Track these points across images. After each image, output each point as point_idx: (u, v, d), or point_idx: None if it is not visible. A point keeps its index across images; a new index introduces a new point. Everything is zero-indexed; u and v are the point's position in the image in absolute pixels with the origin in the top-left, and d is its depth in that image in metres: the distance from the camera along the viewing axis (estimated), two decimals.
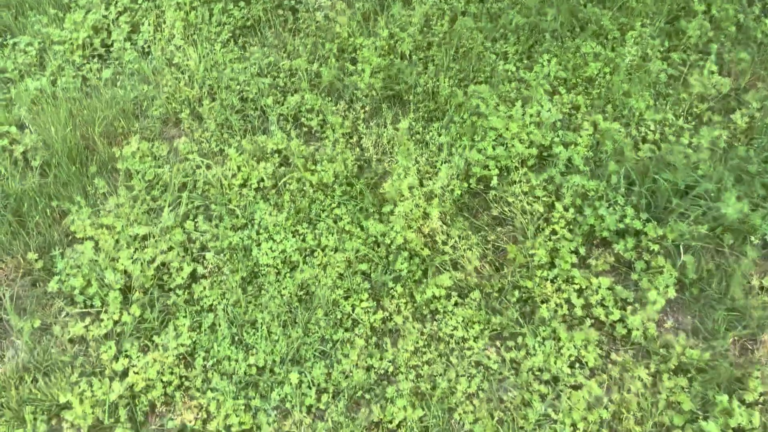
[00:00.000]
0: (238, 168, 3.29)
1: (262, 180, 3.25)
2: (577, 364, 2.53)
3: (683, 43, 3.70)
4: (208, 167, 3.32)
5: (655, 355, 2.52)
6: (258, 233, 3.04)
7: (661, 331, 2.59)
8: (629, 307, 2.65)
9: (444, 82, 3.62)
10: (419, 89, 3.61)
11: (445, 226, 3.02)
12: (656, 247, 2.76)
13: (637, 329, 2.56)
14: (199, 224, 3.09)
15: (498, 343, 2.64)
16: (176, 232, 3.02)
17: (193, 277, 2.93)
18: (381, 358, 2.61)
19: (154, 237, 2.99)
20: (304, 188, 3.19)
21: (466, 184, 3.14)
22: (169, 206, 3.14)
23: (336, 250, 2.94)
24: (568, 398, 2.43)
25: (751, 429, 2.32)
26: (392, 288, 2.79)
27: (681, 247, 2.73)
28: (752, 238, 2.74)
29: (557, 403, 2.44)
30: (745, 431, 2.33)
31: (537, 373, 2.52)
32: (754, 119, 3.26)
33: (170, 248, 2.98)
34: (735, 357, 2.50)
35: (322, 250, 2.96)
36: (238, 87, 3.70)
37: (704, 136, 3.12)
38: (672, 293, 2.62)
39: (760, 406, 2.36)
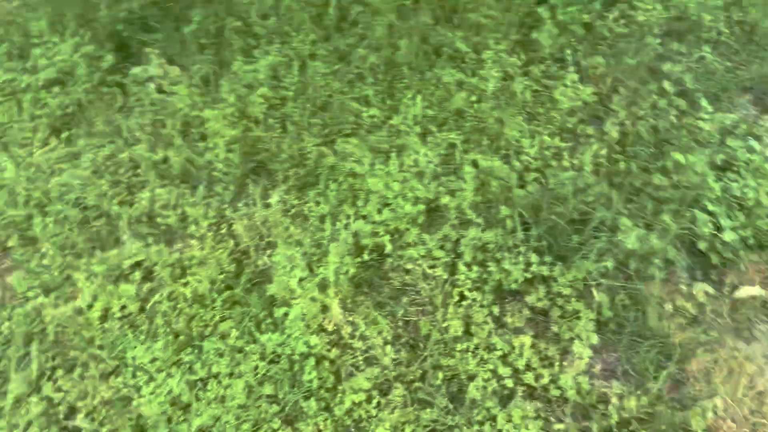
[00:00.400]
0: (94, 297, 2.78)
1: (125, 306, 2.77)
2: None
3: (539, 55, 3.63)
4: (56, 306, 2.78)
5: (594, 410, 2.40)
6: (134, 376, 2.57)
7: (593, 384, 2.47)
8: (556, 364, 2.50)
9: (309, 142, 3.30)
10: (283, 155, 3.26)
11: (347, 313, 2.73)
12: (568, 291, 2.64)
13: (571, 388, 2.42)
14: (59, 382, 2.57)
15: None
16: (32, 400, 2.48)
17: None
18: None
19: (4, 416, 2.44)
20: (178, 305, 2.75)
21: (359, 259, 2.85)
22: (15, 368, 2.58)
23: (231, 374, 2.55)
24: None
25: None
26: (305, 407, 2.46)
27: (593, 289, 2.62)
28: (655, 260, 2.69)
29: None
30: None
31: None
32: (625, 126, 3.24)
33: (29, 425, 2.44)
34: (670, 398, 2.44)
35: (215, 378, 2.56)
36: (73, 195, 3.15)
37: (585, 155, 3.05)
38: (595, 340, 2.51)
39: None
